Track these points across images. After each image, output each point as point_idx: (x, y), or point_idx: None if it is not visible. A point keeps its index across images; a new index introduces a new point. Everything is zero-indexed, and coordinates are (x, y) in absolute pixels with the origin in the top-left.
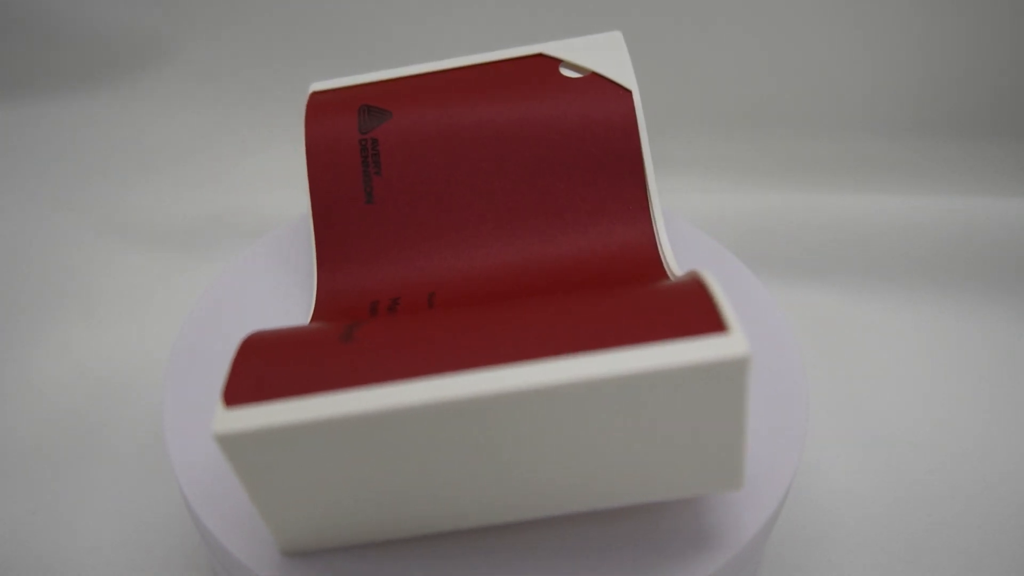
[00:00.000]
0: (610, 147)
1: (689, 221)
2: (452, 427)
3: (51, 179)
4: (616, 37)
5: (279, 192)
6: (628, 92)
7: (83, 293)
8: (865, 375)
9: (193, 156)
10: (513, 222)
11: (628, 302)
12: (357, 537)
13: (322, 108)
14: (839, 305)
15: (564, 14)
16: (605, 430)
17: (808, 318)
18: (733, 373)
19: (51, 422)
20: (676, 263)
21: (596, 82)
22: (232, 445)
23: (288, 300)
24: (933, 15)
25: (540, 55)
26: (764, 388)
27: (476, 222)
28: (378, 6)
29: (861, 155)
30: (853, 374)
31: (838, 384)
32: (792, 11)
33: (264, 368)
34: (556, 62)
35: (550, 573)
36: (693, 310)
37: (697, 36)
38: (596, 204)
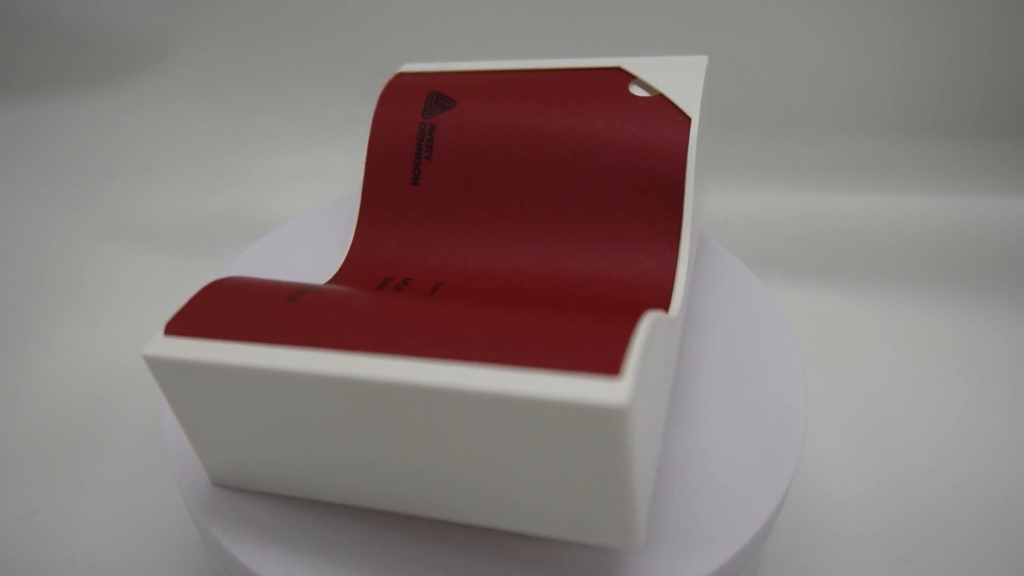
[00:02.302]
0: (655, 172)
1: None
2: (331, 401)
3: (54, 179)
4: (697, 62)
5: (282, 192)
6: (687, 119)
7: (84, 292)
8: (865, 375)
9: (196, 157)
10: (539, 230)
11: (557, 325)
12: (274, 485)
13: (398, 88)
14: (839, 305)
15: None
16: (479, 445)
17: (808, 318)
18: (609, 421)
19: (53, 421)
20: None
21: (659, 104)
22: (153, 367)
23: None
24: (933, 17)
25: (617, 68)
26: (764, 388)
27: (504, 223)
28: (386, 6)
29: (861, 155)
30: (853, 374)
31: (838, 384)
32: (792, 13)
33: (211, 310)
34: (629, 78)
35: (528, 554)
36: (605, 348)
37: (696, 38)
38: (627, 227)
